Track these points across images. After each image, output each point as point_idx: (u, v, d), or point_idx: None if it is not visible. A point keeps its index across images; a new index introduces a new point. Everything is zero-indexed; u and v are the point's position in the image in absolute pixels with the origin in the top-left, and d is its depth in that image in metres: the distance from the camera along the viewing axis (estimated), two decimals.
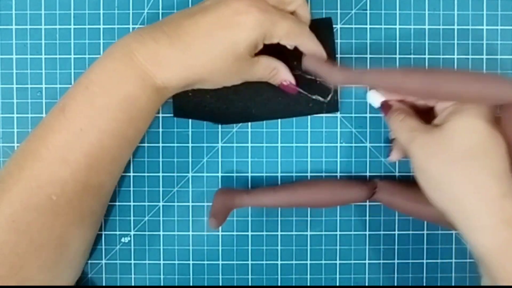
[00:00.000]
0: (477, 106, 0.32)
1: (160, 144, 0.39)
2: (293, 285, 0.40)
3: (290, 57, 0.37)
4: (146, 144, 0.39)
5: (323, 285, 0.40)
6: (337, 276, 0.40)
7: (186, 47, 0.32)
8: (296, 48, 0.37)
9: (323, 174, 0.39)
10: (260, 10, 0.32)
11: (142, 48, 0.32)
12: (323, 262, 0.40)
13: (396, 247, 0.40)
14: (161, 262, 0.39)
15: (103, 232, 0.39)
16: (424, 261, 0.39)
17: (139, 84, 0.33)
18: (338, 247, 0.40)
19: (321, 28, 0.38)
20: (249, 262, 0.40)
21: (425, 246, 0.39)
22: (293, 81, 0.37)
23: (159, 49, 0.32)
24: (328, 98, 0.38)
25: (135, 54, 0.32)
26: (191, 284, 0.39)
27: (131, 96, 0.33)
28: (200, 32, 0.32)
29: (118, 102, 0.32)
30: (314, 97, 0.38)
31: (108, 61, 0.33)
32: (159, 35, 0.32)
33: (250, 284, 0.40)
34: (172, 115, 0.39)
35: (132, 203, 0.40)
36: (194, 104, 0.38)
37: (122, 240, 0.39)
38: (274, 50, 0.36)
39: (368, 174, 0.39)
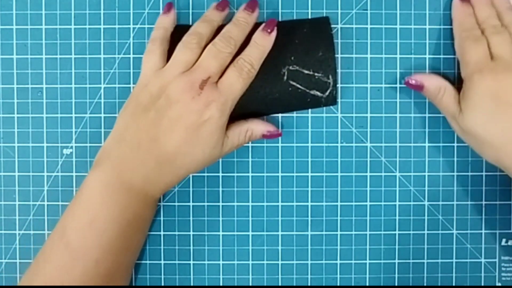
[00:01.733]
0: None
1: None
2: (294, 285, 0.40)
3: (287, 52, 0.37)
4: None
5: (323, 285, 0.40)
6: (338, 276, 0.40)
7: (172, 161, 0.34)
8: (293, 43, 0.37)
9: (324, 174, 0.39)
10: (217, 98, 0.34)
11: (136, 176, 0.34)
12: (323, 262, 0.40)
13: (396, 247, 0.40)
14: (162, 262, 0.39)
15: None
16: (425, 261, 0.39)
17: (142, 204, 0.35)
18: (338, 247, 0.40)
19: (319, 27, 0.38)
20: (250, 262, 0.40)
21: (425, 246, 0.39)
22: (271, 128, 0.38)
23: (150, 172, 0.34)
24: (327, 93, 0.38)
25: (132, 183, 0.34)
26: (191, 284, 0.39)
27: (138, 215, 0.35)
28: (178, 144, 0.34)
29: (128, 224, 0.34)
30: (312, 92, 0.37)
31: (106, 195, 0.34)
32: (145, 157, 0.34)
33: (250, 284, 0.40)
34: None
35: None
36: None
37: None
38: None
39: (368, 174, 0.39)
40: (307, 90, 0.37)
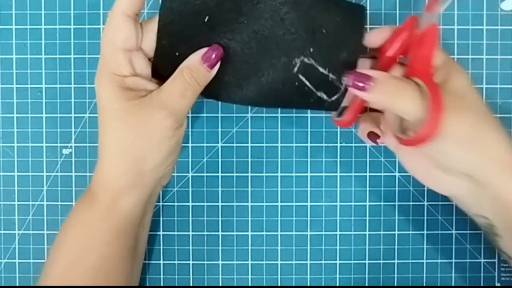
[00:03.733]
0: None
1: None
2: (293, 285, 0.40)
3: (308, 41, 0.31)
4: None
5: (323, 285, 0.40)
6: (337, 276, 0.40)
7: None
8: (319, 32, 0.31)
9: (323, 174, 0.39)
10: None
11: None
12: (323, 262, 0.40)
13: (396, 247, 0.39)
14: (161, 262, 0.39)
15: None
16: (424, 261, 0.39)
17: (86, 204, 0.33)
18: (338, 247, 0.40)
19: (353, 21, 0.32)
20: (249, 262, 0.40)
21: (425, 246, 0.39)
22: (204, 49, 0.31)
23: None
24: (333, 98, 0.33)
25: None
26: (190, 284, 0.39)
27: (80, 220, 0.33)
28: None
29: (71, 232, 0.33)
30: (319, 93, 0.32)
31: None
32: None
33: (249, 284, 0.40)
34: None
35: None
36: (177, 67, 0.31)
37: None
38: (277, 39, 0.31)
39: (368, 174, 0.39)
40: (315, 90, 0.32)
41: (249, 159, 0.39)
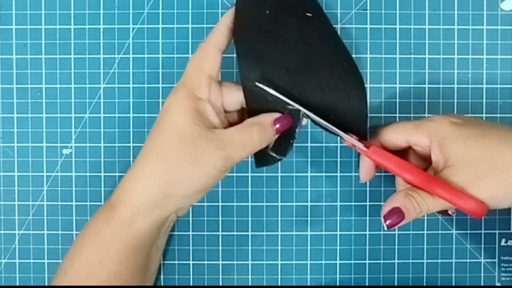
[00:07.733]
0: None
1: None
2: (293, 285, 0.40)
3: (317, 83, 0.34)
4: None
5: (323, 285, 0.40)
6: (337, 276, 0.40)
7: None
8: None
9: (323, 174, 0.39)
10: None
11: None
12: (323, 262, 0.40)
13: (396, 247, 0.40)
14: (162, 262, 0.39)
15: None
16: (424, 261, 0.39)
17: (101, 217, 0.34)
18: (338, 247, 0.40)
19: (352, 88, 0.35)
20: (249, 262, 0.40)
21: (425, 246, 0.39)
22: (276, 114, 0.34)
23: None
24: (278, 157, 0.35)
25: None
26: (191, 284, 0.39)
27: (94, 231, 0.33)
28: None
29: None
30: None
31: None
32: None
33: (250, 284, 0.40)
34: None
35: None
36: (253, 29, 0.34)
37: None
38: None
39: None
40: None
41: (249, 159, 0.39)
